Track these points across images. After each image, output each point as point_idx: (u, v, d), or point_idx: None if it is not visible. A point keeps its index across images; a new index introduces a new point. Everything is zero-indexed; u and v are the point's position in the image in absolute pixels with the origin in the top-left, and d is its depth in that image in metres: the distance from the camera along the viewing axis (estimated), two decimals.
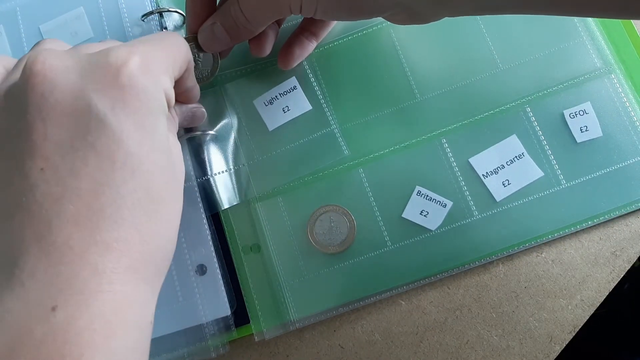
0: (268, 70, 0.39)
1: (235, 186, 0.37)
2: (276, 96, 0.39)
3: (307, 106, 0.38)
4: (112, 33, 0.40)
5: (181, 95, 0.32)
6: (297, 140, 0.38)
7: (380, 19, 0.39)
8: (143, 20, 0.40)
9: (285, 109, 0.38)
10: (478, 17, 0.39)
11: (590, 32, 0.39)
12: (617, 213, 0.36)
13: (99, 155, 0.22)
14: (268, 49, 0.36)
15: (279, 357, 0.36)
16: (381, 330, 0.36)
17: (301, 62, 0.39)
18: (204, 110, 0.35)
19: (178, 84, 0.29)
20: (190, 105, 0.34)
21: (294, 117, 0.38)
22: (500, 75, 0.38)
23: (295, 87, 0.39)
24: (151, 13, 0.39)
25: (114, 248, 0.22)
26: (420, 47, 0.39)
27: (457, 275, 0.36)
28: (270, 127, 0.38)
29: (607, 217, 0.36)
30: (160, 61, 0.25)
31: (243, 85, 0.39)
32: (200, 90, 0.38)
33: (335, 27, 0.39)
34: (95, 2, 0.41)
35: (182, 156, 0.28)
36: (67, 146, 0.22)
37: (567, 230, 0.36)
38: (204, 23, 0.33)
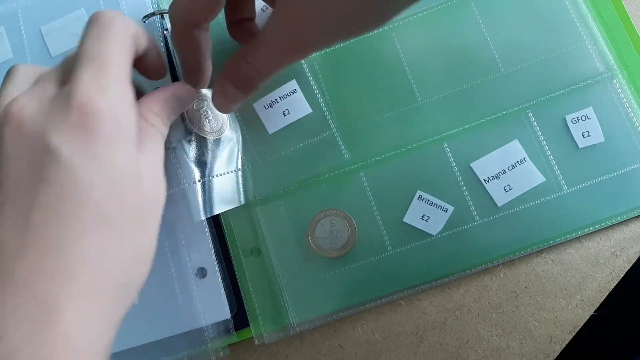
0: None
1: (235, 189, 0.37)
2: (276, 99, 0.38)
3: (307, 109, 0.38)
4: None
5: (146, 70, 0.32)
6: (297, 143, 0.38)
7: None
8: (144, 22, 0.39)
9: (286, 112, 0.38)
10: (480, 20, 0.39)
11: (593, 36, 0.38)
12: (619, 219, 0.36)
13: (49, 187, 0.23)
14: None
15: (278, 357, 0.36)
16: (381, 330, 0.36)
17: (301, 64, 0.39)
18: (188, 87, 0.33)
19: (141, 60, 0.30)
20: (168, 91, 0.31)
21: (294, 120, 0.38)
22: (502, 79, 0.38)
23: (295, 90, 0.38)
24: (152, 14, 0.39)
25: (59, 277, 0.22)
26: (422, 50, 0.39)
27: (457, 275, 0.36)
28: (270, 131, 0.38)
29: (608, 223, 0.36)
30: (111, 84, 0.25)
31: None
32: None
33: None
34: (97, 3, 0.41)
35: (159, 176, 0.28)
36: (24, 181, 0.23)
37: (568, 236, 0.36)
38: (215, 87, 0.32)
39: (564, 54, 0.38)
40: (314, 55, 0.39)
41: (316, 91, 0.39)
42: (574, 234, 0.36)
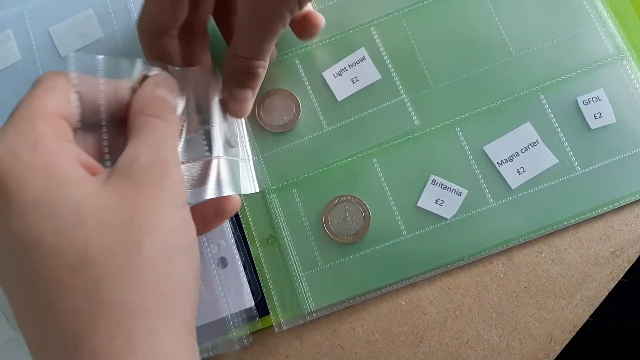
0: (337, 42, 0.39)
1: (297, 160, 0.38)
2: (345, 67, 0.39)
3: (376, 76, 0.39)
4: (122, 33, 0.40)
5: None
6: (366, 110, 0.38)
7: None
8: None
9: (355, 80, 0.39)
10: (489, 4, 0.39)
11: (602, 18, 0.38)
12: (633, 198, 0.36)
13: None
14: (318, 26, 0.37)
15: (278, 357, 0.37)
16: (381, 330, 0.36)
17: (371, 31, 0.39)
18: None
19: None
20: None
21: (363, 87, 0.39)
22: (513, 63, 0.38)
23: (364, 58, 0.39)
24: None
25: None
26: (433, 36, 0.39)
27: (457, 275, 0.37)
28: (339, 98, 0.39)
29: (622, 203, 0.36)
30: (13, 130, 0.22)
31: (312, 58, 0.39)
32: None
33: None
34: (104, 2, 0.41)
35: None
36: None
37: (582, 217, 0.36)
38: (225, 96, 0.33)
39: (573, 37, 0.38)
40: (376, 22, 0.40)
41: (385, 58, 0.39)
42: (588, 215, 0.36)
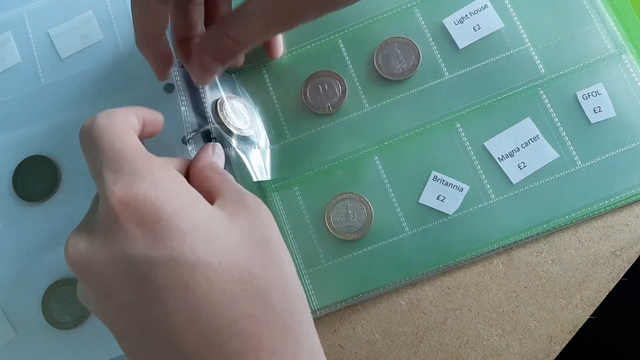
0: None
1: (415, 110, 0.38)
2: (466, 15, 0.39)
3: (499, 24, 0.39)
4: (122, 34, 0.40)
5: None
6: (488, 58, 0.38)
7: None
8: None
9: (476, 27, 0.39)
10: (490, 5, 0.39)
11: (601, 16, 0.39)
12: (633, 192, 0.36)
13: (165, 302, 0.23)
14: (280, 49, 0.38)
15: None
16: (381, 330, 0.36)
17: None
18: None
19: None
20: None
21: (484, 35, 0.39)
22: (513, 58, 0.38)
23: (486, 6, 0.39)
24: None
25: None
26: (433, 33, 0.39)
27: (457, 275, 0.37)
28: (461, 46, 0.39)
29: (622, 196, 0.36)
30: (141, 169, 0.24)
31: (431, 6, 0.39)
32: None
33: None
34: (104, 4, 0.41)
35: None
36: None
37: (584, 211, 0.36)
38: (193, 58, 0.32)
39: (574, 36, 0.38)
40: None
41: (508, 6, 0.39)
42: (589, 208, 0.36)
